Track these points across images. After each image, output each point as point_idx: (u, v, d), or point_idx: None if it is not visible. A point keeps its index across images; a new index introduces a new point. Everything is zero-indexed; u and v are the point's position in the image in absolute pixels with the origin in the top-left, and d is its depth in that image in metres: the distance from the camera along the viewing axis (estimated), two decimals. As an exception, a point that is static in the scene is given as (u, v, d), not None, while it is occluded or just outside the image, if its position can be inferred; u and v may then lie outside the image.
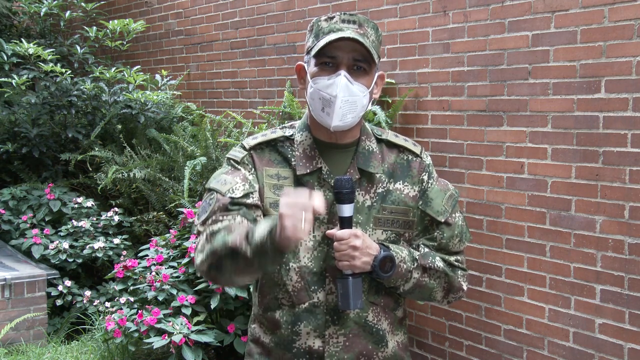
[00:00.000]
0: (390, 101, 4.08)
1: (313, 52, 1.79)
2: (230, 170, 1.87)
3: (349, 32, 1.77)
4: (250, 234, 1.66)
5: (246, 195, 1.80)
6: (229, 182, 1.82)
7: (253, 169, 1.87)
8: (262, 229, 1.64)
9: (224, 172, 1.88)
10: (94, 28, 6.07)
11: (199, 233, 1.82)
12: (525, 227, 3.46)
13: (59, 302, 5.01)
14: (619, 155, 3.05)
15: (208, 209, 1.81)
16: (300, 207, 1.58)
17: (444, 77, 3.81)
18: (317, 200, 1.60)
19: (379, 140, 1.93)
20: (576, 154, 3.22)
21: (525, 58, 3.40)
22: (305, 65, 1.86)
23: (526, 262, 3.47)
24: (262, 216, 1.83)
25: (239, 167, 1.87)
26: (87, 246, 5.12)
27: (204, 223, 1.80)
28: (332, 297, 1.83)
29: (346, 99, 1.77)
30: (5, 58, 5.71)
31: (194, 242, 4.12)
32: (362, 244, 1.76)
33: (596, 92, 3.12)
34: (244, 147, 1.91)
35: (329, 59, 1.79)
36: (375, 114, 3.94)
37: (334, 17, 1.81)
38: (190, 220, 4.28)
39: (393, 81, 4.07)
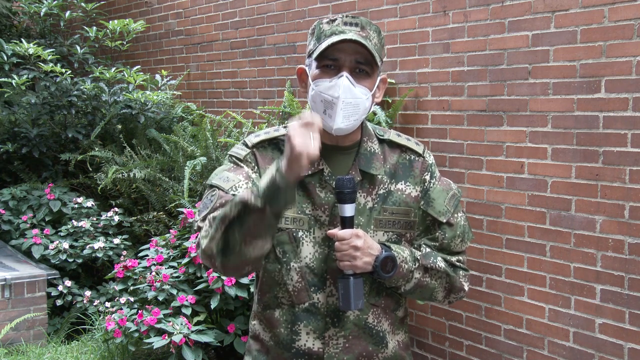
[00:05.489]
0: (390, 101, 4.08)
1: (315, 55, 1.77)
2: (232, 168, 1.85)
3: (352, 34, 1.75)
4: (255, 186, 1.66)
5: None
6: (231, 179, 1.79)
7: (256, 167, 1.85)
8: (267, 173, 1.65)
9: (226, 169, 1.84)
10: (94, 28, 6.07)
11: (199, 229, 1.77)
12: (525, 227, 3.46)
13: (59, 302, 5.01)
14: (619, 155, 3.05)
15: (209, 205, 1.77)
16: (306, 126, 1.62)
17: (444, 77, 3.82)
18: (318, 118, 1.65)
19: (381, 141, 1.92)
20: (576, 153, 3.22)
21: (525, 58, 3.40)
22: (307, 68, 1.85)
23: (526, 262, 3.47)
24: None
25: (242, 164, 1.85)
26: (87, 246, 5.12)
27: (204, 219, 1.76)
28: (333, 300, 1.82)
29: (348, 100, 1.76)
30: (5, 58, 5.70)
31: (194, 242, 4.15)
32: (363, 244, 1.74)
33: (596, 92, 3.12)
34: (246, 145, 1.88)
35: (331, 62, 1.77)
36: (375, 114, 3.94)
37: (335, 19, 1.79)
38: (191, 220, 4.29)
39: (393, 81, 4.07)
